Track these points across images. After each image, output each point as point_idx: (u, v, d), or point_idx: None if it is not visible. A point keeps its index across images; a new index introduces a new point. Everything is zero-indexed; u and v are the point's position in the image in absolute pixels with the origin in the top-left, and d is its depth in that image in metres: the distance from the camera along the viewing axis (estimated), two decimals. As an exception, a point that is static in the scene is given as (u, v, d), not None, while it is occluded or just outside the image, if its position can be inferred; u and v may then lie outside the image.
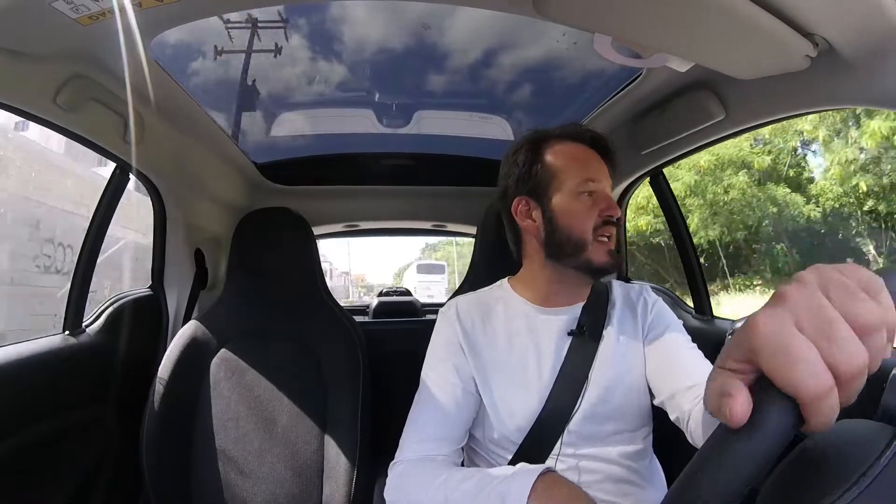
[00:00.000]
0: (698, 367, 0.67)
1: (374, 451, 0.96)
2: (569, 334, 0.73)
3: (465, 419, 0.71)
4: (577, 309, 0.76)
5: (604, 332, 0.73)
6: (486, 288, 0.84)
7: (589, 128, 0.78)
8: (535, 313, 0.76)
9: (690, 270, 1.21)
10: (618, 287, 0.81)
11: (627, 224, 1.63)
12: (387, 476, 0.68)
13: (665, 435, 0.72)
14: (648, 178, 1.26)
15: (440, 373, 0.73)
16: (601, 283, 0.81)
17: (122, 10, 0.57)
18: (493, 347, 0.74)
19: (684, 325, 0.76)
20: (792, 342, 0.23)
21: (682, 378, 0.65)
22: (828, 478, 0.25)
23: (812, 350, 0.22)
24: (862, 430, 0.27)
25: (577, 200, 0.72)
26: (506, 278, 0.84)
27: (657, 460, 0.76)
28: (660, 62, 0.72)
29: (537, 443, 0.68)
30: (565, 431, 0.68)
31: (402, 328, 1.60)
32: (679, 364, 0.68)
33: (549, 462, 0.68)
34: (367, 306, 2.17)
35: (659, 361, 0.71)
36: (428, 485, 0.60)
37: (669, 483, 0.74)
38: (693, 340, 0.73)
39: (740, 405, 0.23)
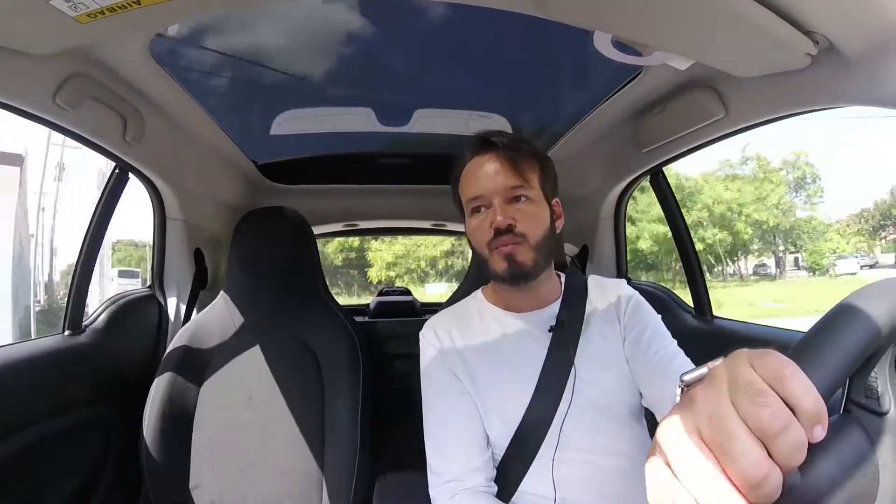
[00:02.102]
0: (678, 366, 0.66)
1: (373, 450, 0.96)
2: (549, 330, 0.73)
3: (482, 429, 0.71)
4: (553, 308, 0.76)
5: (583, 327, 0.74)
6: (459, 302, 0.85)
7: (487, 132, 0.76)
8: (509, 318, 0.77)
9: (690, 270, 1.21)
10: (594, 282, 0.81)
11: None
12: (386, 474, 0.68)
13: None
14: (648, 177, 1.26)
15: (442, 393, 0.73)
16: (578, 280, 0.81)
17: (121, 7, 0.57)
18: (474, 356, 0.74)
19: (684, 325, 0.76)
20: (689, 453, 0.23)
21: (664, 382, 0.65)
22: None
23: (707, 463, 0.23)
24: None
25: (473, 218, 0.75)
26: (480, 289, 0.85)
27: None
28: (660, 60, 0.72)
29: (527, 440, 0.69)
30: (562, 427, 0.68)
31: (401, 327, 1.60)
32: (659, 368, 0.67)
33: (547, 460, 0.67)
34: (367, 305, 2.17)
35: (640, 363, 0.71)
36: None
37: None
38: (692, 340, 0.73)
39: None
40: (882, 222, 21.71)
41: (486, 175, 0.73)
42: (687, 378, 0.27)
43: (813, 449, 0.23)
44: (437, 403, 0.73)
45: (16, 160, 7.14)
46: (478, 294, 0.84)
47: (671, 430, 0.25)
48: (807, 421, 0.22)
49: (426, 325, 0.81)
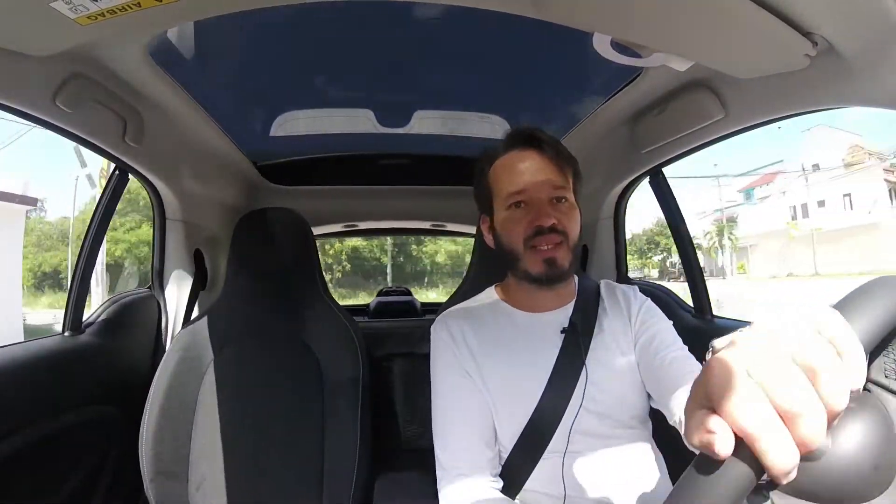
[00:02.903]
0: (688, 370, 0.66)
1: (373, 451, 0.96)
2: (562, 332, 0.73)
3: (491, 426, 0.72)
4: (566, 310, 0.77)
5: (595, 330, 0.74)
6: (473, 298, 0.85)
7: (529, 129, 0.76)
8: (523, 318, 0.77)
9: (690, 270, 1.21)
10: (606, 287, 0.82)
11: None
12: (387, 474, 0.69)
13: (667, 429, 0.72)
14: (648, 178, 1.26)
15: (452, 389, 0.74)
16: (591, 283, 0.82)
17: (121, 10, 0.57)
18: (486, 353, 0.74)
19: (684, 325, 0.76)
20: (737, 383, 0.24)
21: (673, 382, 0.65)
22: None
23: (755, 390, 0.23)
24: None
25: (509, 213, 0.73)
26: (493, 286, 0.85)
27: (661, 454, 0.76)
28: (659, 61, 0.72)
29: (535, 439, 0.69)
30: (571, 428, 0.68)
31: (401, 327, 1.61)
32: (670, 370, 0.68)
33: (556, 460, 0.68)
34: (368, 305, 2.17)
35: (651, 367, 0.71)
36: None
37: (672, 478, 0.74)
38: (692, 340, 0.73)
39: (722, 441, 0.23)
40: (647, 245, 29.99)
41: (530, 171, 0.72)
42: (718, 345, 0.28)
43: (840, 420, 0.24)
44: (447, 399, 0.74)
45: (31, 202, 8.58)
46: (491, 291, 0.84)
47: (720, 364, 0.25)
48: (849, 364, 0.23)
49: (438, 320, 0.81)
